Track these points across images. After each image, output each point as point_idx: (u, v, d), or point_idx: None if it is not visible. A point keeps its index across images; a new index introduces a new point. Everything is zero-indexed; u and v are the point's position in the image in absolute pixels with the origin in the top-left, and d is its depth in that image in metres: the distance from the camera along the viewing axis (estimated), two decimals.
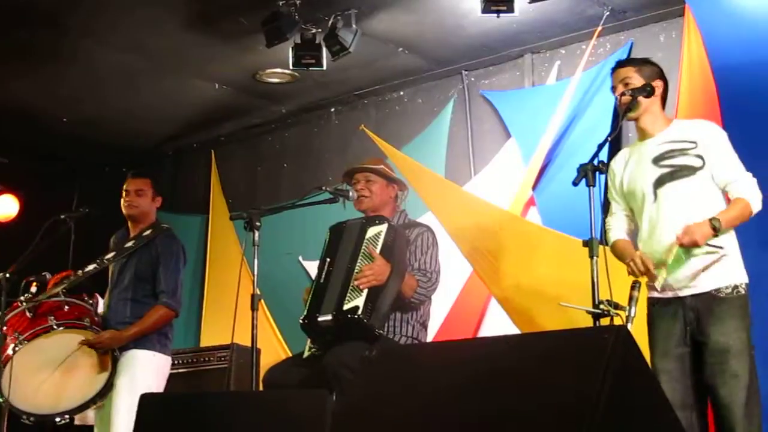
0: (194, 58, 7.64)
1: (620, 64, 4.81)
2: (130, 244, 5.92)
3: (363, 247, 5.26)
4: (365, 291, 5.12)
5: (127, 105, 8.57)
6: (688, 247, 4.42)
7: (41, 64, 7.71)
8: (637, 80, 4.67)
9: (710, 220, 4.38)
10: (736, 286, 4.44)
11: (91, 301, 5.98)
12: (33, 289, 5.91)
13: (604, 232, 4.77)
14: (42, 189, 9.52)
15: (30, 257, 5.76)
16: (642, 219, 4.67)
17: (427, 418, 3.00)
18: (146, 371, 5.68)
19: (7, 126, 8.84)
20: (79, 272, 6.04)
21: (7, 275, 5.57)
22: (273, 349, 7.49)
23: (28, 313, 5.62)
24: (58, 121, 8.81)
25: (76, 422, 6.50)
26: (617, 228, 4.82)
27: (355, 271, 5.19)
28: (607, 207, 4.94)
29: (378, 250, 5.21)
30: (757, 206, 4.48)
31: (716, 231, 4.38)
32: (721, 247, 4.41)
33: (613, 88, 4.76)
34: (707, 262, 4.44)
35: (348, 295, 5.14)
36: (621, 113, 4.69)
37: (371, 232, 5.30)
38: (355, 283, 5.14)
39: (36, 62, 7.68)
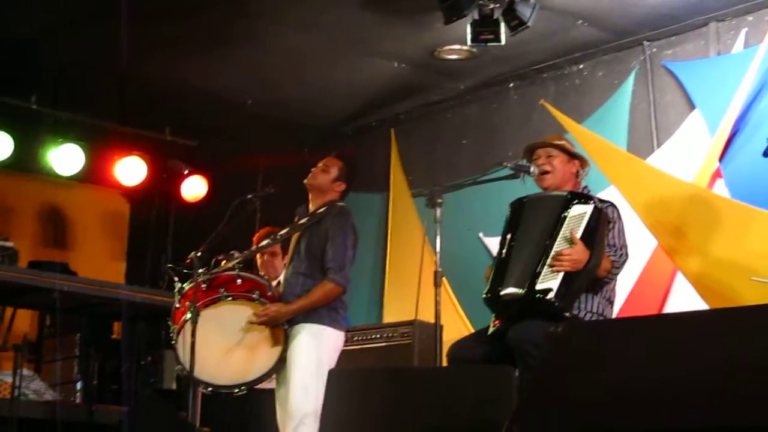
0: (371, 37, 7.71)
1: None
2: (303, 220, 6.01)
3: (564, 227, 5.10)
4: (561, 273, 5.02)
5: (306, 85, 8.72)
6: None
7: (222, 47, 7.93)
8: None
9: None
10: None
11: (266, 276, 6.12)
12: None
13: None
14: (228, 170, 9.77)
15: (219, 236, 5.96)
16: None
17: (615, 394, 2.97)
18: (315, 344, 5.72)
19: (194, 110, 9.12)
20: (252, 248, 6.20)
21: (198, 254, 5.79)
22: (455, 326, 7.51)
23: (203, 286, 5.80)
24: (243, 104, 9.02)
25: None
26: None
27: (553, 248, 5.06)
28: None
29: (580, 233, 5.06)
30: None
31: None
32: None
33: None
34: None
35: (543, 273, 5.05)
36: None
37: (575, 210, 5.13)
38: (551, 262, 5.03)
39: (216, 46, 7.90)
